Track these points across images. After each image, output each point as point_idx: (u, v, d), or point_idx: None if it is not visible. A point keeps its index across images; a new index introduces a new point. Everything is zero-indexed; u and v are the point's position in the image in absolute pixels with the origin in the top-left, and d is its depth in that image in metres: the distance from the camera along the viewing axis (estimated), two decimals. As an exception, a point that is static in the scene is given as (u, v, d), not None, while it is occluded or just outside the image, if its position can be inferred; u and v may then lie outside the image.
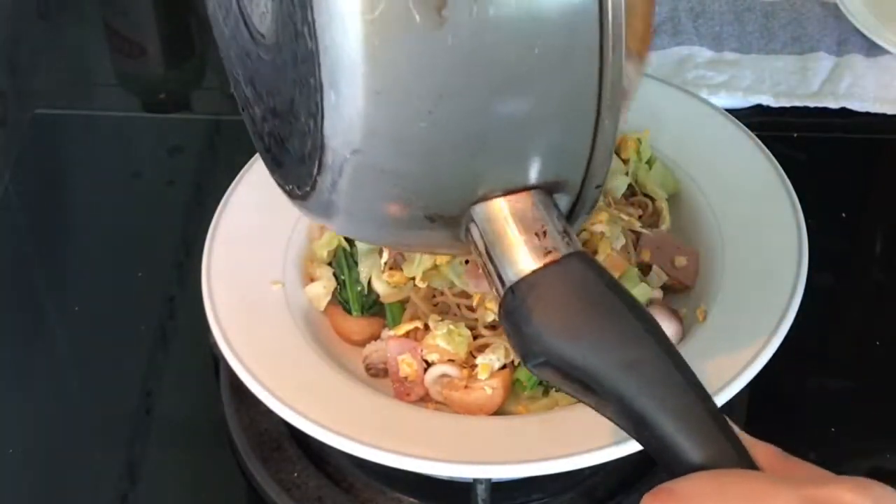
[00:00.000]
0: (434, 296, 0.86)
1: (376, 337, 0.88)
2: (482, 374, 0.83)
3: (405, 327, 0.85)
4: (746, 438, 0.60)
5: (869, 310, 0.99)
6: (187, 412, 0.94)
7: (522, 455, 0.77)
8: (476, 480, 0.81)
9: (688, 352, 0.83)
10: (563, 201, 0.65)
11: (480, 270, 0.65)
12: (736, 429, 0.60)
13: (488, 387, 0.82)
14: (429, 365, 0.84)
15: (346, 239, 0.91)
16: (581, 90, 0.60)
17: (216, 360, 0.91)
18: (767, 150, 0.92)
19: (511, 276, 0.62)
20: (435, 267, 0.86)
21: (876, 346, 0.96)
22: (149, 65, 1.23)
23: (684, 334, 0.85)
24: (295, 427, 0.80)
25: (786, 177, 0.90)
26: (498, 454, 0.78)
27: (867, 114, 1.11)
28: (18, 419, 0.93)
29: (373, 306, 0.90)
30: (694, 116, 0.97)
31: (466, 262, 0.85)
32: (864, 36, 1.14)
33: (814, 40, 1.15)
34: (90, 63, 1.24)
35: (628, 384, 0.60)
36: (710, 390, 0.78)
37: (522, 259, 0.62)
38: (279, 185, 0.71)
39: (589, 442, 0.77)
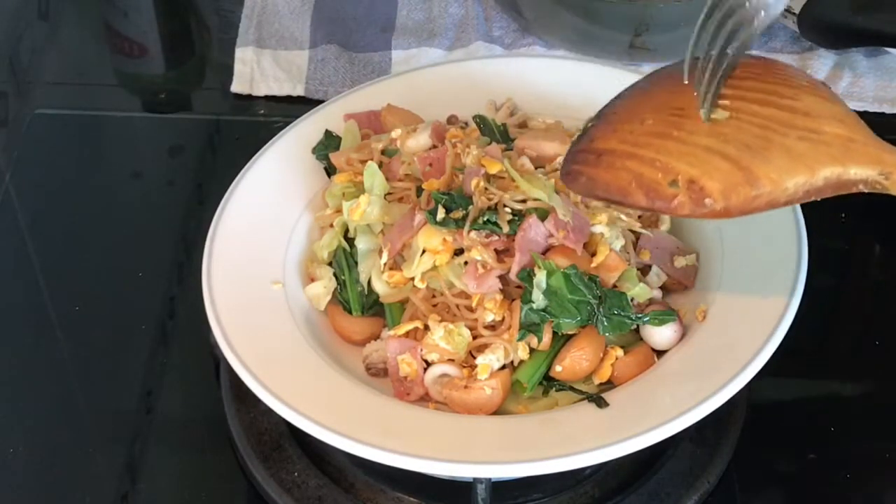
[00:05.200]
0: (434, 296, 0.86)
1: (376, 337, 0.88)
2: (482, 374, 0.83)
3: (405, 327, 0.85)
4: None
5: (869, 310, 0.99)
6: (187, 412, 0.94)
7: (522, 455, 0.77)
8: (476, 480, 0.81)
9: (688, 352, 0.84)
10: None
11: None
12: None
13: (488, 387, 0.82)
14: (428, 365, 0.85)
15: (346, 239, 0.91)
16: None
17: (216, 360, 0.91)
18: (767, 150, 0.92)
19: None
20: (434, 268, 0.86)
21: (876, 345, 0.96)
22: (149, 65, 1.23)
23: (684, 334, 0.85)
24: (295, 427, 0.80)
25: (785, 177, 0.90)
26: (498, 454, 0.78)
27: (867, 113, 1.11)
28: (18, 419, 0.93)
29: (373, 306, 0.90)
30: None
31: (466, 262, 0.85)
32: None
33: (813, 39, 1.16)
34: (90, 63, 1.24)
35: None
36: (709, 390, 0.79)
37: None
38: None
39: (589, 442, 0.77)
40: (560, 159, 0.91)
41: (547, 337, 0.84)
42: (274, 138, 0.98)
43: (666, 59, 1.14)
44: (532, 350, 0.84)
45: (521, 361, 0.84)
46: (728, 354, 0.81)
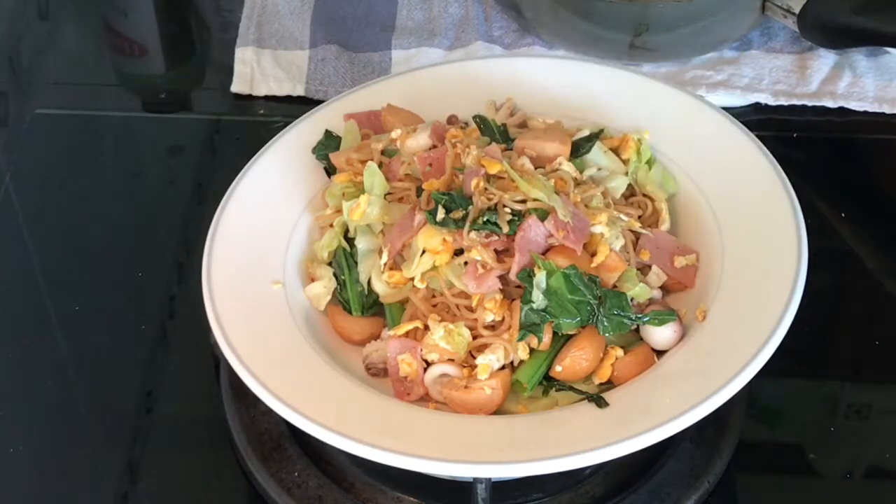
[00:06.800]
0: (433, 296, 0.86)
1: (376, 337, 0.88)
2: (482, 374, 0.83)
3: (405, 327, 0.85)
4: None
5: (869, 310, 0.99)
6: (187, 412, 0.94)
7: (522, 455, 0.77)
8: (476, 480, 0.81)
9: (688, 352, 0.84)
10: None
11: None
12: None
13: (488, 387, 0.82)
14: (428, 365, 0.85)
15: (346, 239, 0.91)
16: None
17: (216, 360, 0.91)
18: (767, 151, 0.93)
19: None
20: (434, 268, 0.86)
21: (876, 345, 0.96)
22: (149, 65, 1.23)
23: (684, 334, 0.85)
24: (295, 427, 0.80)
25: (785, 177, 0.90)
26: (498, 454, 0.78)
27: (866, 113, 1.11)
28: (18, 419, 0.93)
29: (373, 306, 0.90)
30: (694, 116, 0.97)
31: (466, 262, 0.85)
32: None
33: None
34: (90, 63, 1.24)
35: None
36: (709, 390, 0.79)
37: None
38: None
39: (589, 442, 0.77)
40: (560, 159, 0.91)
41: (547, 337, 0.84)
42: (274, 138, 0.98)
43: (666, 59, 1.15)
44: (532, 350, 0.84)
45: (521, 361, 0.84)
46: (728, 354, 0.81)
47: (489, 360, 0.83)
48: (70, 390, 0.95)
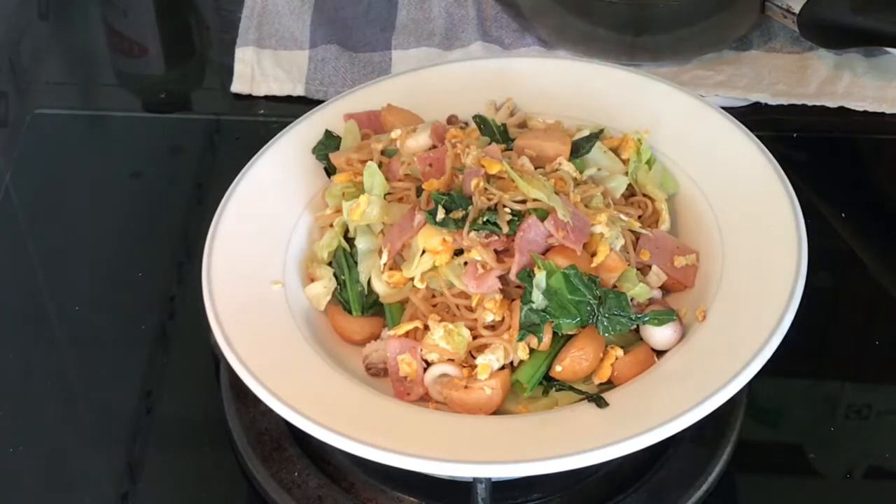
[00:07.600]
0: (433, 296, 0.86)
1: (376, 337, 0.88)
2: (481, 374, 0.83)
3: (405, 327, 0.85)
4: None
5: (868, 310, 0.99)
6: (187, 412, 0.94)
7: (522, 455, 0.77)
8: (476, 480, 0.81)
9: (688, 352, 0.84)
10: None
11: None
12: None
13: (487, 387, 0.82)
14: (428, 365, 0.85)
15: (346, 239, 0.91)
16: None
17: (216, 360, 0.91)
18: (767, 150, 0.93)
19: None
20: (434, 268, 0.86)
21: (876, 345, 0.96)
22: (149, 65, 1.23)
23: (684, 334, 0.85)
24: (295, 427, 0.80)
25: (785, 177, 0.90)
26: (498, 454, 0.78)
27: (866, 113, 1.11)
28: (18, 419, 0.93)
29: (373, 306, 0.90)
30: (693, 116, 0.97)
31: (465, 263, 0.85)
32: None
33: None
34: (90, 63, 1.24)
35: None
36: (709, 390, 0.79)
37: None
38: None
39: (589, 442, 0.77)
40: (560, 159, 0.91)
41: (547, 337, 0.84)
42: (274, 138, 0.98)
43: (666, 59, 1.15)
44: (532, 350, 0.84)
45: (521, 361, 0.84)
46: (728, 354, 0.81)
47: (489, 360, 0.83)
48: (70, 390, 0.95)
